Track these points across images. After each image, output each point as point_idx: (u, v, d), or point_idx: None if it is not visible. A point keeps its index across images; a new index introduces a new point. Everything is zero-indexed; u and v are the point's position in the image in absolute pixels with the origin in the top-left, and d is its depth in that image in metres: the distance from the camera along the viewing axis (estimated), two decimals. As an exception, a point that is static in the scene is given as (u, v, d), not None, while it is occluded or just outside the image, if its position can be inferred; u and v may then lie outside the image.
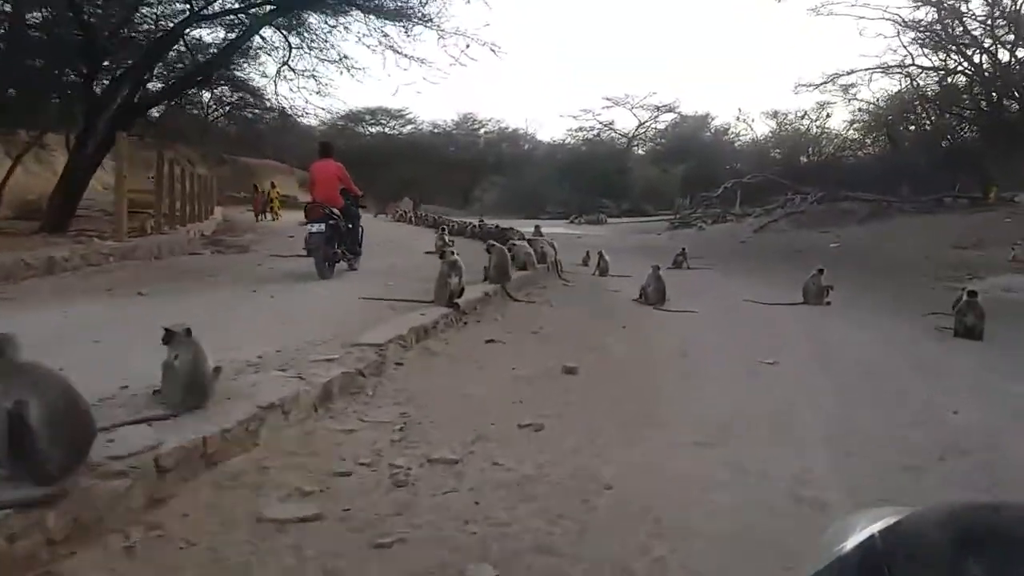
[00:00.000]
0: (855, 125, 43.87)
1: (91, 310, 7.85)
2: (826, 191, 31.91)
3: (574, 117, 66.13)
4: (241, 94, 57.02)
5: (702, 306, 11.30)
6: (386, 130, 70.72)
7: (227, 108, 55.10)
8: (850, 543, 0.80)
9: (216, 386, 4.29)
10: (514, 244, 13.56)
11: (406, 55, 19.12)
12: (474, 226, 20.70)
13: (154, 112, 25.08)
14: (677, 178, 48.67)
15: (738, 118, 71.09)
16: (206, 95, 53.57)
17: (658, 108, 61.51)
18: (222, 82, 52.98)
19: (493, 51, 19.36)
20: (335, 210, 11.53)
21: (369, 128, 70.63)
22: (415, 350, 6.81)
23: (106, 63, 18.49)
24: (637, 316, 10.39)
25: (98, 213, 19.90)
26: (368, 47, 19.75)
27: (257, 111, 56.59)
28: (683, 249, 17.97)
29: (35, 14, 17.71)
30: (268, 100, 55.52)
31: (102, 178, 24.80)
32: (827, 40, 73.93)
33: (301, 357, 5.70)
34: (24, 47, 17.64)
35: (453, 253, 9.20)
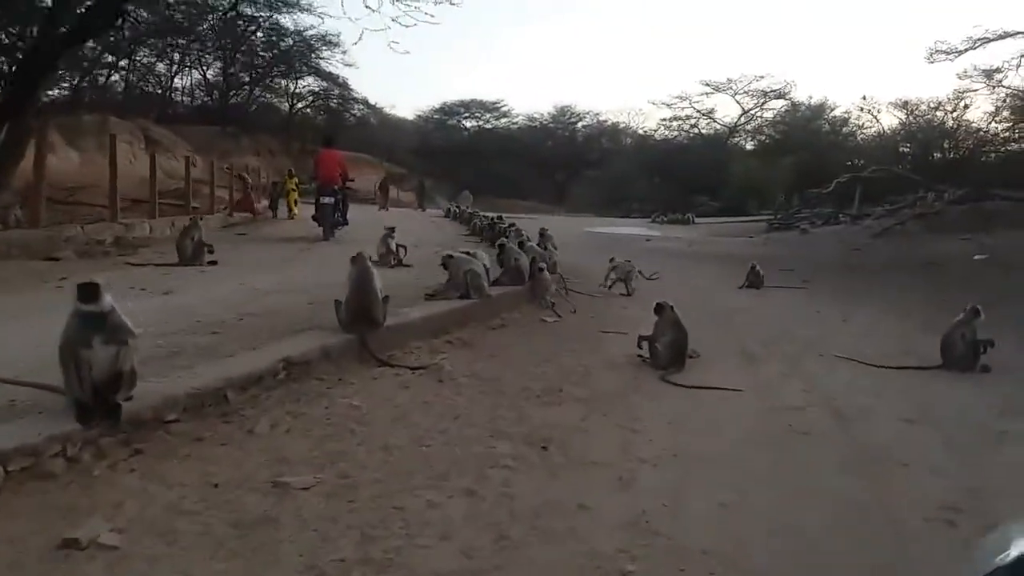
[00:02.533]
0: (999, 116, 36.15)
1: None
2: (968, 189, 25.23)
3: (668, 105, 59.51)
4: (326, 84, 55.56)
5: (754, 373, 6.24)
6: (480, 123, 67.35)
7: (311, 98, 53.79)
8: (1014, 552, 0.84)
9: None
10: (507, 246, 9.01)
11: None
12: (491, 221, 15.92)
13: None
14: (784, 173, 42.02)
15: (861, 108, 62.72)
16: (289, 84, 52.51)
17: (766, 94, 54.50)
18: (305, 70, 51.69)
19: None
20: (335, 187, 14.37)
21: (464, 122, 67.51)
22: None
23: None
24: (611, 405, 5.20)
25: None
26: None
27: (341, 101, 54.95)
28: (753, 266, 12.63)
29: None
30: (354, 91, 53.94)
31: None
32: (969, 11, 63.18)
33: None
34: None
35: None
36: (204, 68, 46.19)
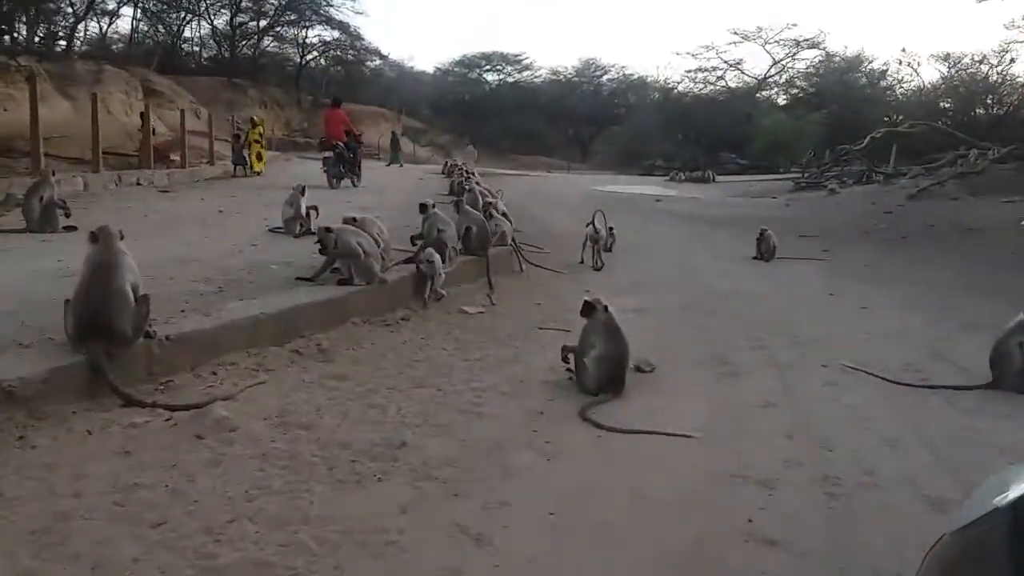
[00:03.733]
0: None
1: None
2: (1014, 147, 22.57)
3: (693, 55, 55.56)
4: (337, 34, 53.10)
5: (725, 399, 4.34)
6: (501, 76, 64.58)
7: (322, 48, 51.46)
8: (1010, 495, 0.83)
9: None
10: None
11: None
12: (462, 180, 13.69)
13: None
14: (815, 128, 38.96)
15: (900, 61, 58.50)
16: (299, 33, 50.16)
17: (798, 43, 50.66)
18: (315, 19, 49.28)
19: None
20: (340, 143, 15.93)
21: (485, 75, 64.75)
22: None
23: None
24: (469, 476, 3.10)
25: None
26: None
27: (354, 51, 52.56)
28: (763, 232, 10.56)
29: None
30: (366, 41, 51.49)
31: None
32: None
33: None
34: None
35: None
36: (212, 17, 44.17)
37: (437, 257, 6.02)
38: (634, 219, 15.40)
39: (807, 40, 50.26)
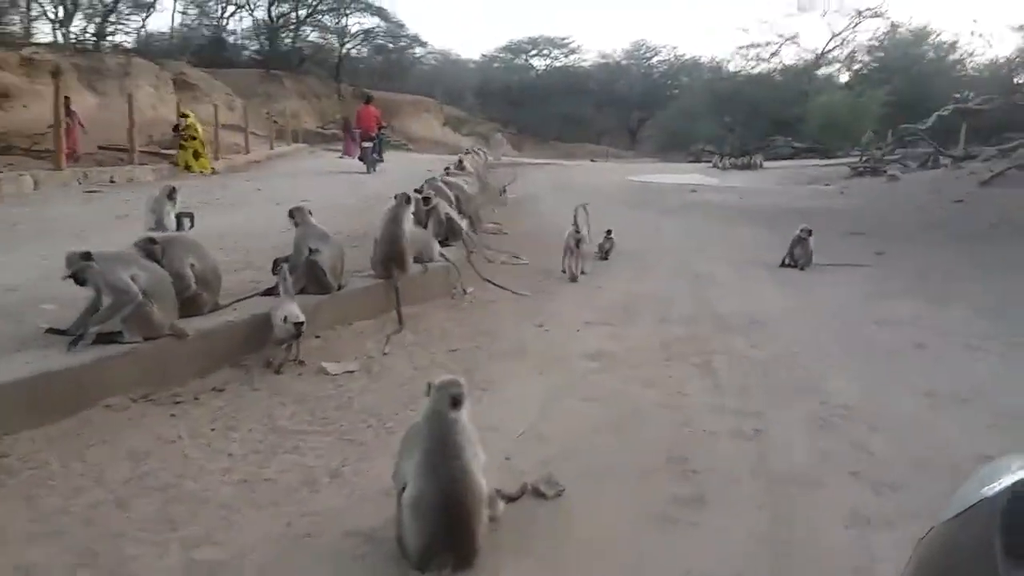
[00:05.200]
0: None
1: None
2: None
3: (744, 30, 51.94)
4: (377, 21, 51.56)
5: (680, 551, 2.53)
6: (548, 62, 62.27)
7: (362, 37, 50.06)
8: (1000, 485, 0.82)
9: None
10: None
11: None
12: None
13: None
14: (876, 106, 35.62)
15: (972, 32, 53.92)
16: (337, 22, 48.77)
17: (860, 13, 46.85)
18: (354, 6, 47.84)
19: None
20: (372, 134, 18.31)
21: (531, 60, 62.52)
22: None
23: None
24: None
25: None
26: None
27: (394, 39, 51.07)
28: (801, 233, 8.43)
29: None
30: (406, 28, 49.93)
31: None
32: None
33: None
34: None
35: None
36: (252, 8, 43.33)
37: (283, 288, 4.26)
38: (654, 215, 13.44)
39: (869, 10, 46.53)
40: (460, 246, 6.87)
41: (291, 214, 4.99)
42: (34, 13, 31.35)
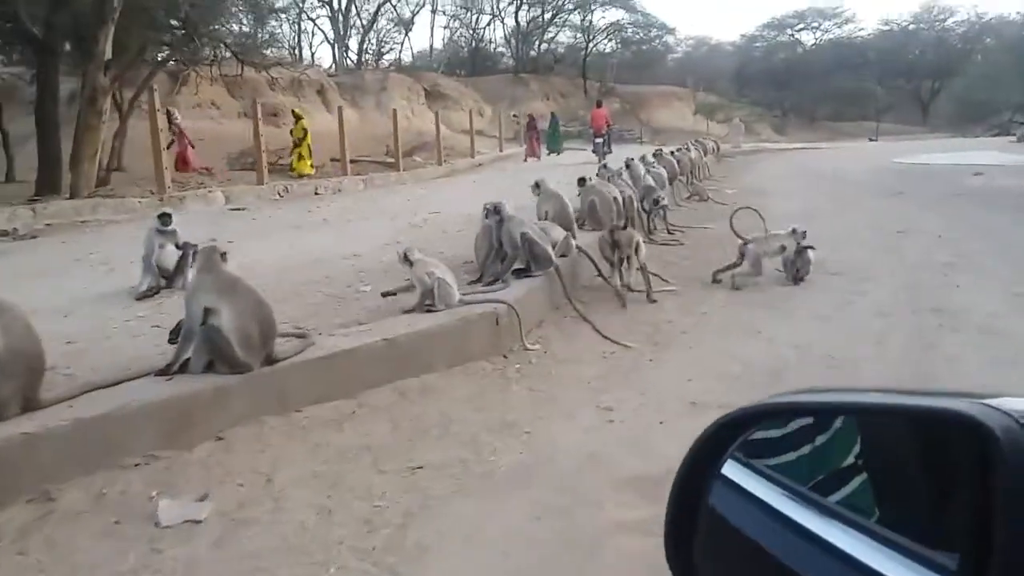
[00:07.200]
0: None
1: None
2: None
3: None
4: (623, 13, 49.10)
5: None
6: (818, 36, 55.44)
7: (609, 31, 48.18)
8: None
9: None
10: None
11: None
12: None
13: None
14: None
15: None
16: (583, 19, 47.34)
17: None
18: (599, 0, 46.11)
19: None
20: (603, 131, 21.03)
21: (798, 35, 56.18)
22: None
23: None
24: None
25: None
26: None
27: (642, 30, 48.62)
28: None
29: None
30: (653, 16, 47.29)
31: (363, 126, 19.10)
32: None
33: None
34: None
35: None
36: (503, 15, 44.09)
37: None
38: (907, 209, 10.04)
39: None
40: (551, 274, 4.91)
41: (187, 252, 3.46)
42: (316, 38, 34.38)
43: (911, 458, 0.71)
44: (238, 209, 9.96)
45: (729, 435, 0.84)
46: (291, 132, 15.79)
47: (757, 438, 0.83)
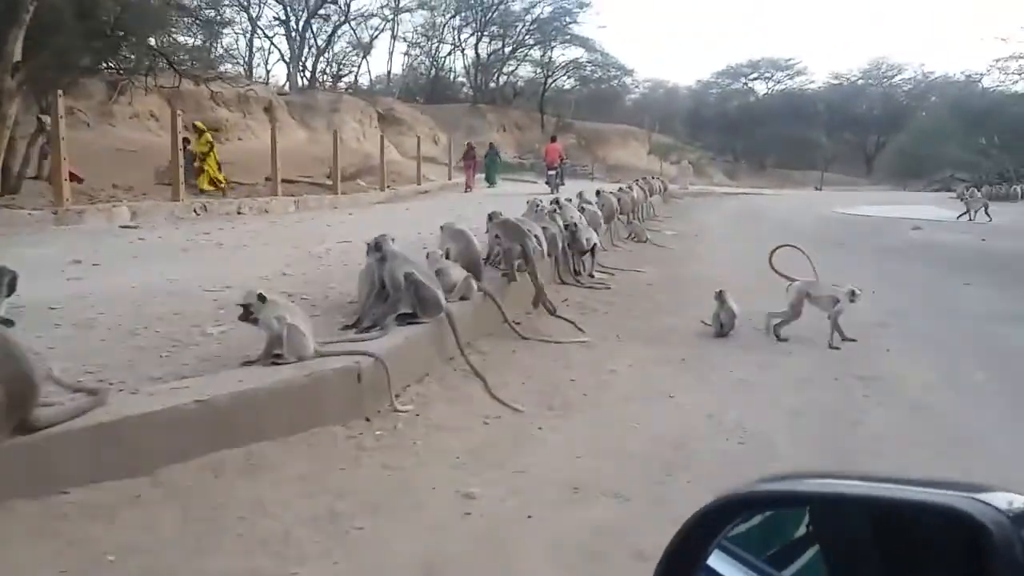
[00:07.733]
0: None
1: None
2: None
3: (1003, 40, 41.69)
4: (583, 51, 49.46)
5: None
6: (770, 85, 56.70)
7: (568, 68, 48.43)
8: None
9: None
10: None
11: None
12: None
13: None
14: None
15: None
16: (542, 55, 47.47)
17: None
18: (560, 38, 46.35)
19: None
20: (555, 165, 23.01)
21: (751, 84, 57.38)
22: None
23: None
24: None
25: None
26: None
27: (600, 68, 48.94)
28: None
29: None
30: (612, 56, 47.64)
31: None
32: None
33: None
34: None
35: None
36: (463, 46, 43.98)
37: None
38: (844, 262, 9.72)
39: None
40: (441, 320, 4.31)
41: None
42: (270, 55, 33.55)
43: (896, 549, 0.71)
44: (128, 227, 9.12)
45: (714, 525, 0.79)
46: (190, 146, 14.59)
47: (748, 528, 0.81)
